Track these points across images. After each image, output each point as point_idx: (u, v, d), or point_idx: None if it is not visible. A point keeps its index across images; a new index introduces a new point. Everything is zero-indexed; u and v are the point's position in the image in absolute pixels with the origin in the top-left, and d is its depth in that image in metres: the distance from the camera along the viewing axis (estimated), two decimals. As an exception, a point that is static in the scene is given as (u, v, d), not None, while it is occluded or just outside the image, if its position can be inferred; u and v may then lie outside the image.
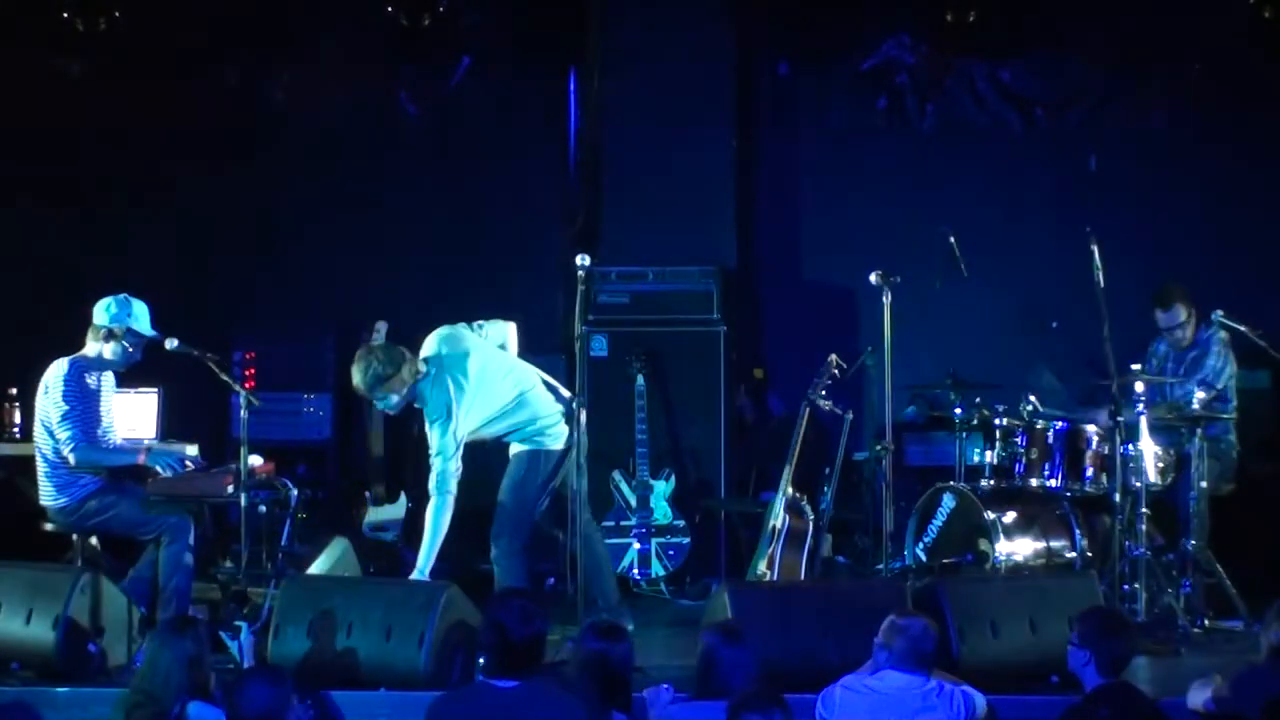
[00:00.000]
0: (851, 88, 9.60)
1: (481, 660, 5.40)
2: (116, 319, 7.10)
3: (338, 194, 9.53)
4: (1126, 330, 8.42)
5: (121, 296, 7.15)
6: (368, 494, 8.26)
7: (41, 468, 7.10)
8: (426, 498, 8.72)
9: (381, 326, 8.32)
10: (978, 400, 8.30)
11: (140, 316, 7.13)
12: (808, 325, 9.45)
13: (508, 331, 7.51)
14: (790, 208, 9.67)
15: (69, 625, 6.45)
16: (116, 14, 9.10)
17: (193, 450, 7.69)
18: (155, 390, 8.38)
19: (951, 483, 8.13)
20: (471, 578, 8.14)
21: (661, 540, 8.58)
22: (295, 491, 7.77)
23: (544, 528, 7.73)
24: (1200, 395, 7.72)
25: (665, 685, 5.56)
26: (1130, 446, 7.57)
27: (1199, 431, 7.58)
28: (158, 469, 7.02)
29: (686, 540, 8.58)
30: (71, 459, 6.97)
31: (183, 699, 5.30)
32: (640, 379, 8.32)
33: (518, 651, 5.02)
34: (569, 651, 5.98)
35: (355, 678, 6.28)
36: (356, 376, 7.16)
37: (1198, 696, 5.56)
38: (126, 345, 7.13)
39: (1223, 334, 8.02)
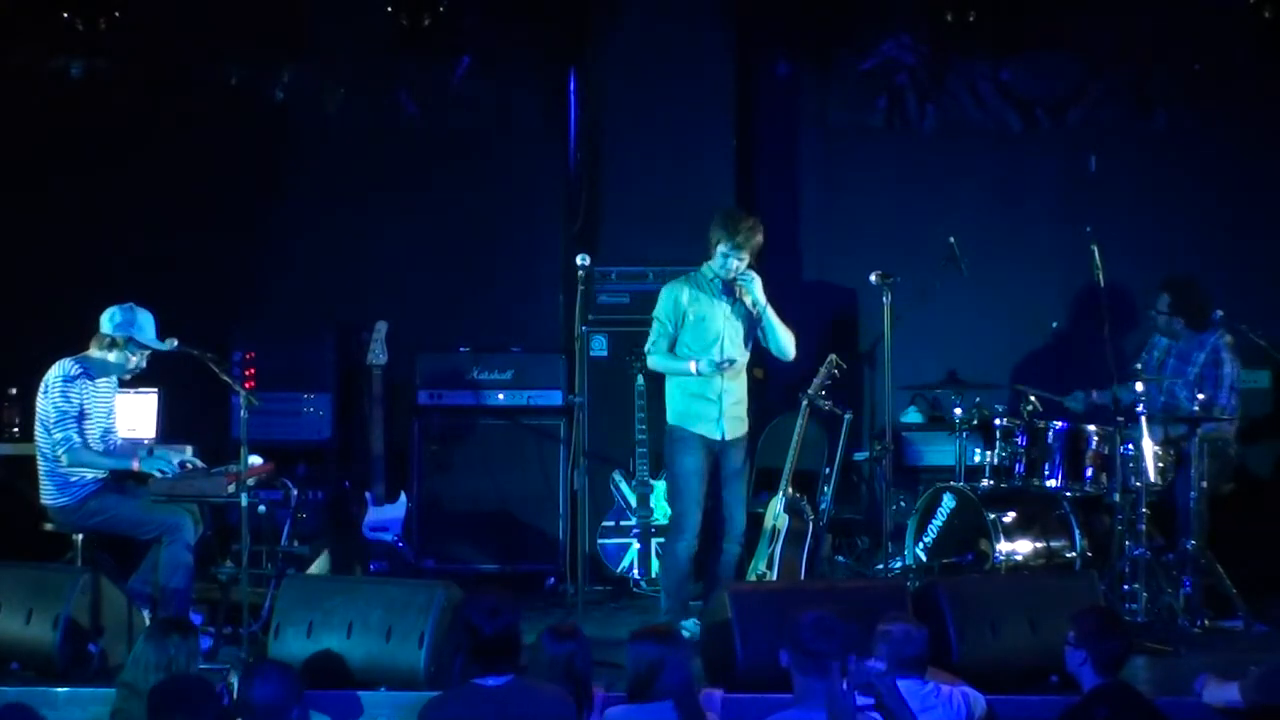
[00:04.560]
0: (851, 88, 9.59)
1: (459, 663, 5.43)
2: (120, 328, 7.11)
3: (338, 193, 9.52)
4: (1127, 330, 8.44)
5: (127, 306, 7.15)
6: (368, 494, 8.25)
7: (42, 467, 7.11)
8: (428, 497, 8.80)
9: (381, 326, 8.33)
10: (978, 400, 8.31)
11: (145, 326, 7.13)
12: (808, 325, 9.43)
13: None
14: (790, 208, 9.67)
15: (69, 625, 6.46)
16: (116, 14, 9.09)
17: (189, 450, 7.69)
18: (155, 390, 8.39)
19: (951, 483, 8.14)
20: (471, 578, 8.18)
21: (662, 540, 8.56)
22: (295, 491, 7.79)
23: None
24: (1222, 404, 7.77)
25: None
26: (1130, 446, 7.59)
27: (1199, 431, 7.59)
28: (153, 472, 7.03)
29: (687, 540, 8.57)
30: (64, 460, 6.98)
31: None
32: (640, 379, 8.31)
33: (490, 647, 5.04)
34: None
35: (355, 678, 6.28)
36: (753, 224, 7.30)
37: (1219, 693, 5.55)
38: (129, 354, 7.14)
39: (1228, 337, 8.04)
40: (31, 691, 6.20)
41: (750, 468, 7.70)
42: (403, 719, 5.96)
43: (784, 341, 7.41)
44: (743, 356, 7.44)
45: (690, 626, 7.18)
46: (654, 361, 7.51)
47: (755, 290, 7.33)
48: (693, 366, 7.37)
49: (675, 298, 7.43)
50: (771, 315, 7.37)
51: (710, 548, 7.49)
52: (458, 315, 9.44)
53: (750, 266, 7.35)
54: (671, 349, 7.44)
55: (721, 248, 7.30)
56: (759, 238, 7.33)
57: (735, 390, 7.42)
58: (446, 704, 5.13)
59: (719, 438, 7.38)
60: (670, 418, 7.48)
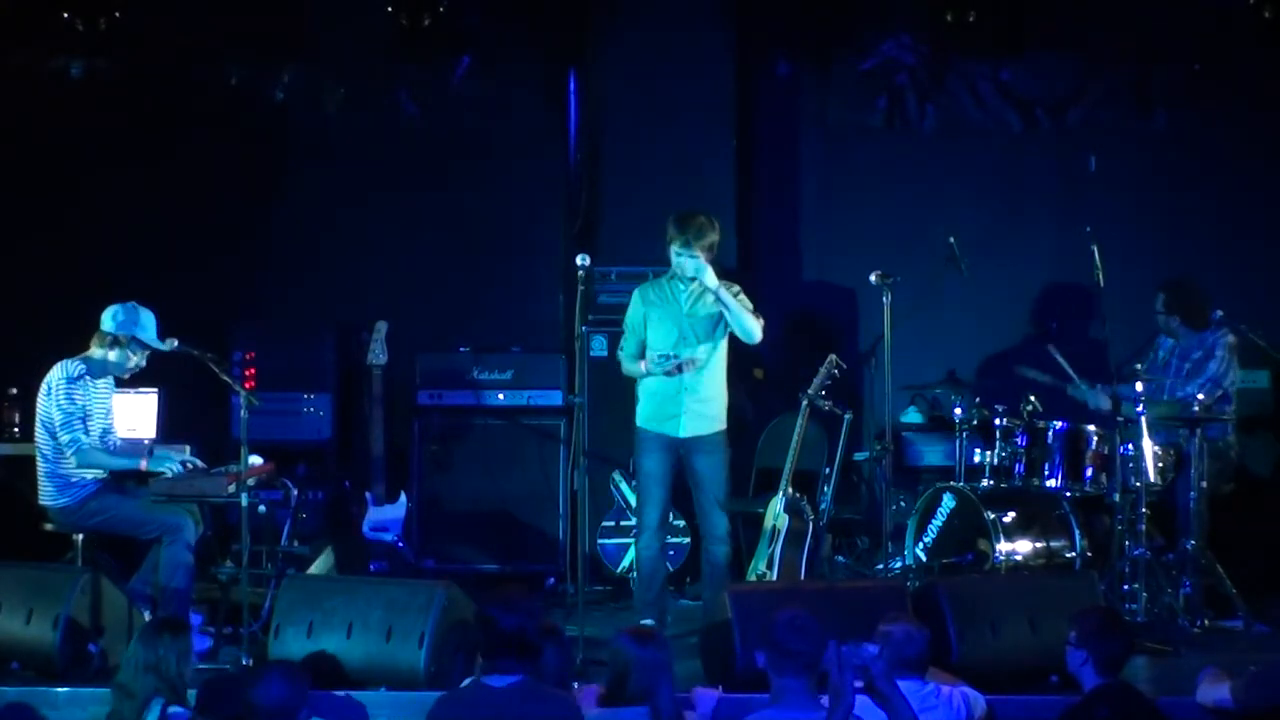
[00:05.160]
0: (851, 88, 9.59)
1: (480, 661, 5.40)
2: (122, 326, 7.11)
3: (338, 194, 9.52)
4: (1127, 330, 8.44)
5: (129, 304, 7.16)
6: (368, 494, 8.25)
7: (42, 468, 7.11)
8: (426, 497, 8.80)
9: (381, 326, 8.32)
10: (978, 400, 8.31)
11: (146, 325, 7.14)
12: (808, 325, 9.45)
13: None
14: (790, 208, 9.67)
15: (69, 625, 6.46)
16: (116, 14, 9.10)
17: (186, 450, 7.69)
18: (155, 390, 8.39)
19: (951, 483, 8.14)
20: (471, 578, 8.18)
21: (661, 540, 8.58)
22: (295, 491, 7.79)
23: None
24: (1200, 397, 7.75)
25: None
26: (1130, 446, 7.59)
27: (1199, 431, 7.59)
28: (161, 471, 7.04)
29: (686, 540, 8.58)
30: (74, 461, 6.99)
31: (151, 700, 5.32)
32: (640, 379, 8.31)
33: (504, 642, 5.03)
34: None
35: (355, 678, 6.28)
36: (702, 222, 7.25)
37: (1211, 694, 5.55)
38: (130, 353, 7.15)
39: (1230, 338, 8.04)
40: (31, 691, 6.21)
41: (722, 465, 7.54)
42: (403, 719, 5.96)
43: (747, 324, 7.32)
44: (706, 353, 7.38)
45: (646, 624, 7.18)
46: (622, 367, 7.60)
47: (706, 278, 7.25)
48: (642, 366, 7.42)
49: (637, 301, 7.50)
50: (730, 299, 7.28)
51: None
52: (458, 315, 9.44)
53: (709, 263, 7.30)
54: (644, 352, 7.45)
55: (673, 247, 7.30)
56: (711, 236, 7.28)
57: (700, 388, 7.39)
58: (454, 702, 5.13)
59: (680, 436, 7.36)
60: (637, 419, 7.50)
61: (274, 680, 5.02)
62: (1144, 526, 7.45)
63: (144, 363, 7.24)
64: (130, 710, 5.36)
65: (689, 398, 7.37)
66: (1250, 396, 8.52)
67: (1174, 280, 8.29)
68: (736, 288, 7.40)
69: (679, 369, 7.34)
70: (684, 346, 7.37)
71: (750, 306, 7.37)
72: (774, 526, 7.72)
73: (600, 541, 8.56)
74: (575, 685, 5.87)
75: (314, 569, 7.68)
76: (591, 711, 5.27)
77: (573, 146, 9.53)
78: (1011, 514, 7.87)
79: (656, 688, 5.16)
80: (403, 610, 6.34)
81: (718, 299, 7.30)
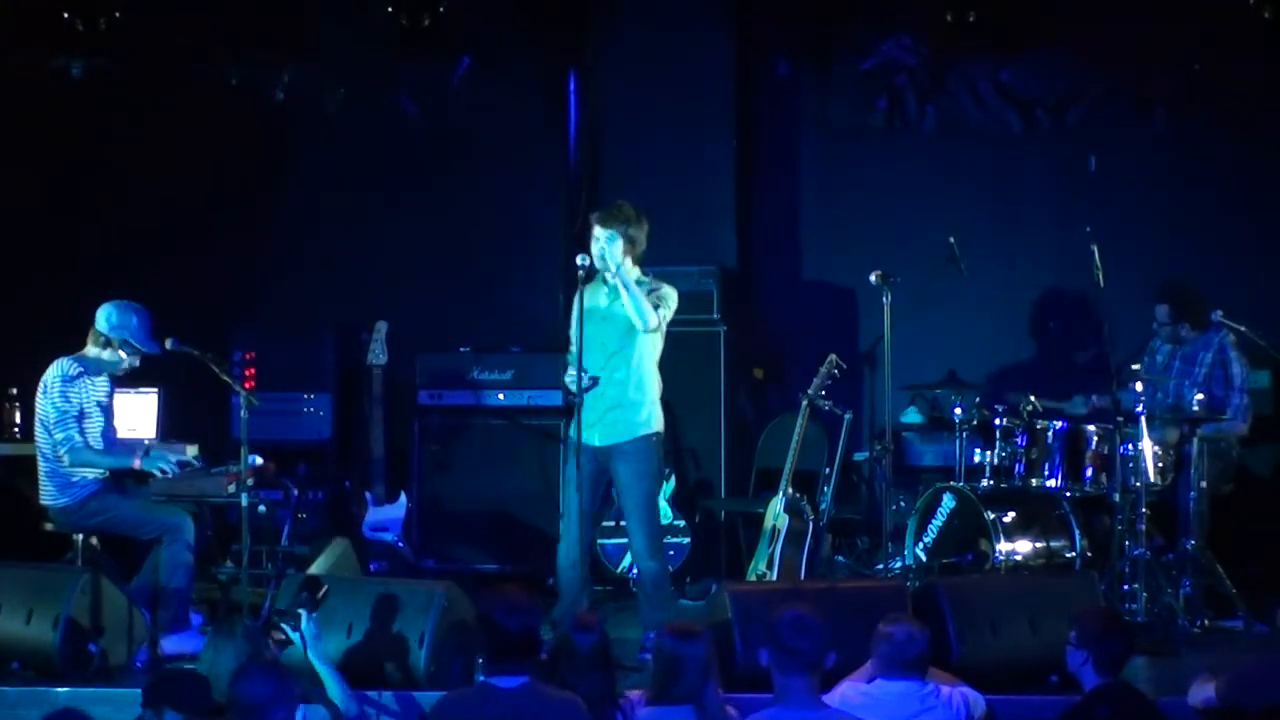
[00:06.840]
0: (851, 88, 9.59)
1: (480, 661, 5.38)
2: (114, 329, 7.11)
3: (338, 194, 9.53)
4: (1127, 331, 8.44)
5: (122, 304, 7.15)
6: (368, 494, 8.26)
7: (42, 467, 7.11)
8: (426, 497, 8.80)
9: (381, 326, 8.33)
10: (978, 400, 8.31)
11: (139, 327, 7.13)
12: (808, 325, 9.45)
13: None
14: (790, 208, 9.67)
15: (69, 625, 6.46)
16: (116, 14, 9.10)
17: (192, 450, 7.70)
18: (155, 390, 8.39)
19: (951, 483, 8.14)
20: (471, 578, 8.18)
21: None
22: (295, 491, 7.79)
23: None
24: (1238, 402, 7.81)
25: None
26: (1130, 446, 7.59)
27: (1199, 431, 7.59)
28: (154, 472, 7.04)
29: (686, 540, 8.58)
30: (66, 459, 6.99)
31: None
32: (640, 379, 8.29)
33: (511, 644, 5.02)
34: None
35: (355, 678, 6.27)
36: (620, 205, 7.01)
37: (1199, 694, 5.56)
38: (123, 353, 7.14)
39: (1232, 336, 8.05)
40: (32, 691, 6.21)
41: (643, 474, 7.17)
42: (402, 719, 5.96)
43: (641, 308, 6.91)
44: (607, 360, 7.03)
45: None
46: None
47: (609, 251, 6.90)
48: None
49: (576, 302, 7.03)
50: (630, 280, 6.91)
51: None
52: (458, 315, 9.45)
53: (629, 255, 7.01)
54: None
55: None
56: (628, 214, 6.95)
57: (612, 394, 7.04)
58: (458, 702, 5.12)
59: (596, 445, 7.05)
60: None
61: (256, 677, 5.01)
62: (1144, 526, 7.45)
63: (138, 362, 7.23)
64: None
65: (603, 405, 7.04)
66: (1250, 397, 8.52)
67: (1172, 286, 8.26)
68: (660, 287, 7.05)
69: (593, 384, 6.96)
70: (598, 352, 7.01)
71: (659, 305, 6.99)
72: (774, 526, 7.72)
73: (600, 541, 8.55)
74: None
75: (320, 563, 7.62)
76: (640, 712, 5.23)
77: (573, 146, 9.53)
78: (1011, 514, 7.87)
79: (702, 685, 5.14)
80: (402, 610, 6.34)
81: (617, 276, 6.91)
